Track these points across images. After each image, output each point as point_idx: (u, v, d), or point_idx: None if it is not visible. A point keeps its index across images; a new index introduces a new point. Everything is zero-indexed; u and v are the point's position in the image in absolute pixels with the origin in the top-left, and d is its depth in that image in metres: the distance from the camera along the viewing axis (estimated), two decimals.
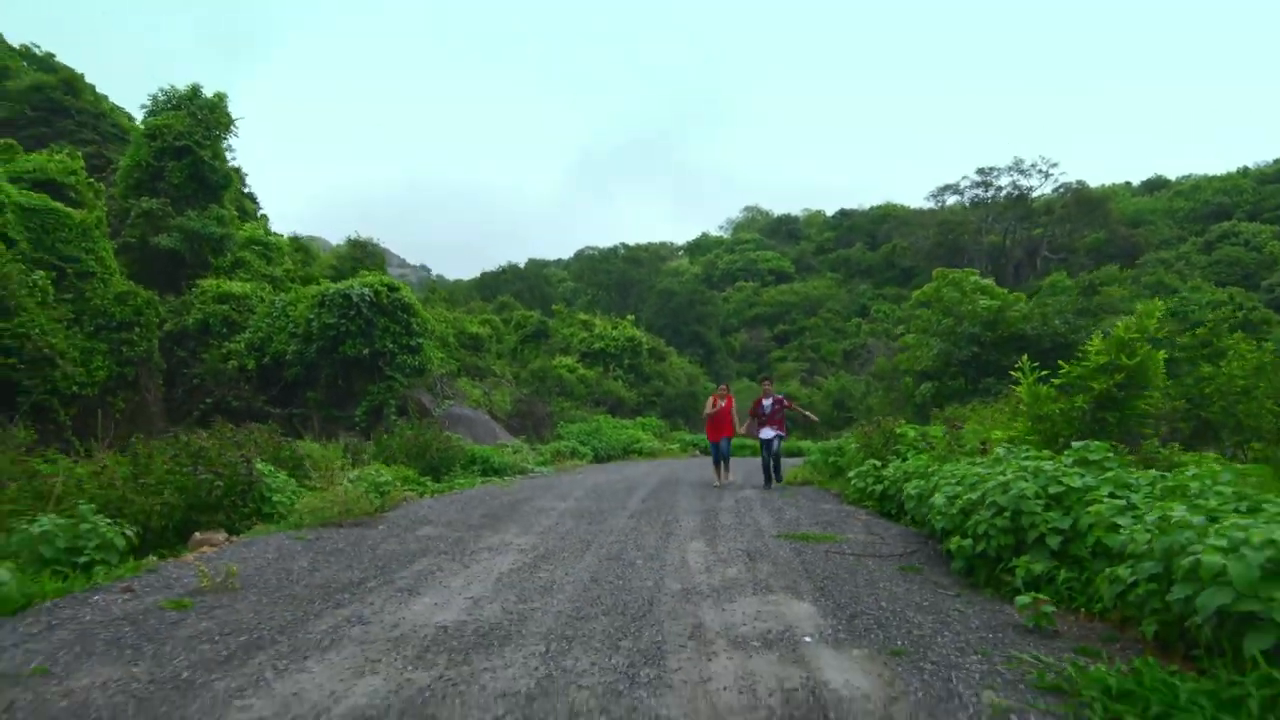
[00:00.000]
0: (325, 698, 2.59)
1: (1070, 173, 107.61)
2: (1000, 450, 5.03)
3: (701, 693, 2.62)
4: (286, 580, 4.41)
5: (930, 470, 5.82)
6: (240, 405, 13.34)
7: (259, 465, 6.98)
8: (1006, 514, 4.01)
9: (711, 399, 10.53)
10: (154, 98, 17.02)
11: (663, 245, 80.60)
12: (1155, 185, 71.24)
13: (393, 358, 13.45)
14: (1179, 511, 3.14)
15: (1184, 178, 70.76)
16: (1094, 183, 68.96)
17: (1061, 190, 61.82)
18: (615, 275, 58.96)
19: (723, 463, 10.23)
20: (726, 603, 3.82)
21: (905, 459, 7.41)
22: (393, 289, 13.71)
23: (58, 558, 4.66)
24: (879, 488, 7.23)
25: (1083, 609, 3.57)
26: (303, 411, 13.52)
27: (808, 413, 11.40)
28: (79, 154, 14.55)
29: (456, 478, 10.68)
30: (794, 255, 67.80)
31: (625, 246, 69.36)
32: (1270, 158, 65.46)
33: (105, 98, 23.16)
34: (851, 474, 8.06)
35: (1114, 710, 2.41)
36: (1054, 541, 3.79)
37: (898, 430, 8.53)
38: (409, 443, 11.03)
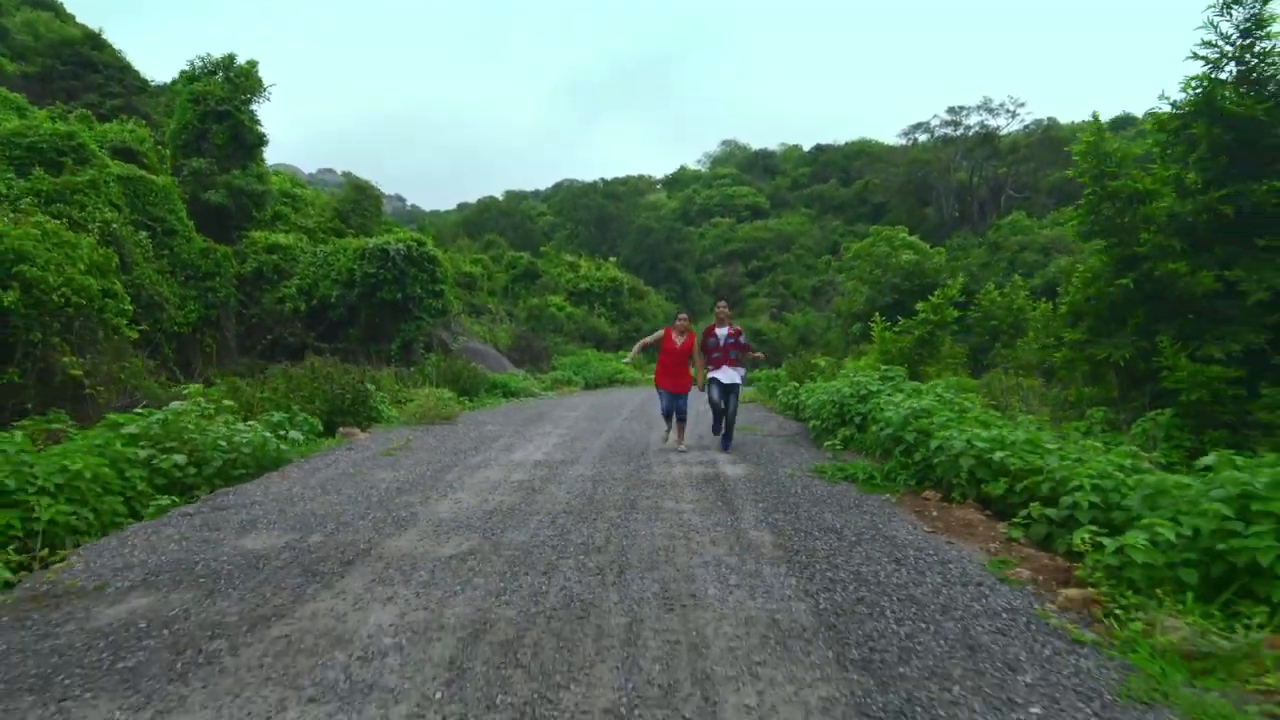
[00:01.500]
0: (502, 479, 6.00)
1: (1039, 110, 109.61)
2: (847, 373, 8.58)
3: (668, 474, 6.11)
4: (432, 447, 7.80)
5: (816, 387, 9.36)
6: (294, 341, 16.47)
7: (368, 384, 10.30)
8: (834, 405, 7.53)
9: (666, 331, 8.12)
10: (192, 63, 19.45)
11: (641, 179, 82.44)
12: (1122, 123, 73.99)
13: (420, 301, 16.61)
14: (904, 398, 6.62)
15: (1150, 113, 73.80)
16: (1065, 119, 72.09)
17: (1031, 128, 65.23)
18: (594, 210, 61.29)
19: (675, 418, 7.96)
20: (684, 455, 7.33)
21: (815, 381, 10.94)
22: (420, 244, 16.77)
23: (287, 434, 7.99)
24: (794, 400, 10.77)
25: (864, 452, 7.11)
26: (345, 346, 16.68)
27: (758, 355, 8.88)
28: (143, 124, 17.07)
29: (484, 399, 14.06)
30: (770, 191, 70.32)
31: (604, 181, 71.44)
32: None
33: (124, 53, 25.17)
34: (779, 392, 11.60)
35: (846, 473, 5.92)
36: (856, 419, 7.31)
37: (813, 361, 12.04)
38: (444, 371, 14.37)
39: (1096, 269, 7.23)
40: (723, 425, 7.79)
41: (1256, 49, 6.68)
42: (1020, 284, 15.25)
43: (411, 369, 14.83)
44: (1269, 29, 6.59)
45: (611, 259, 32.32)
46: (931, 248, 18.75)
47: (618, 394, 17.07)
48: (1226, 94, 6.50)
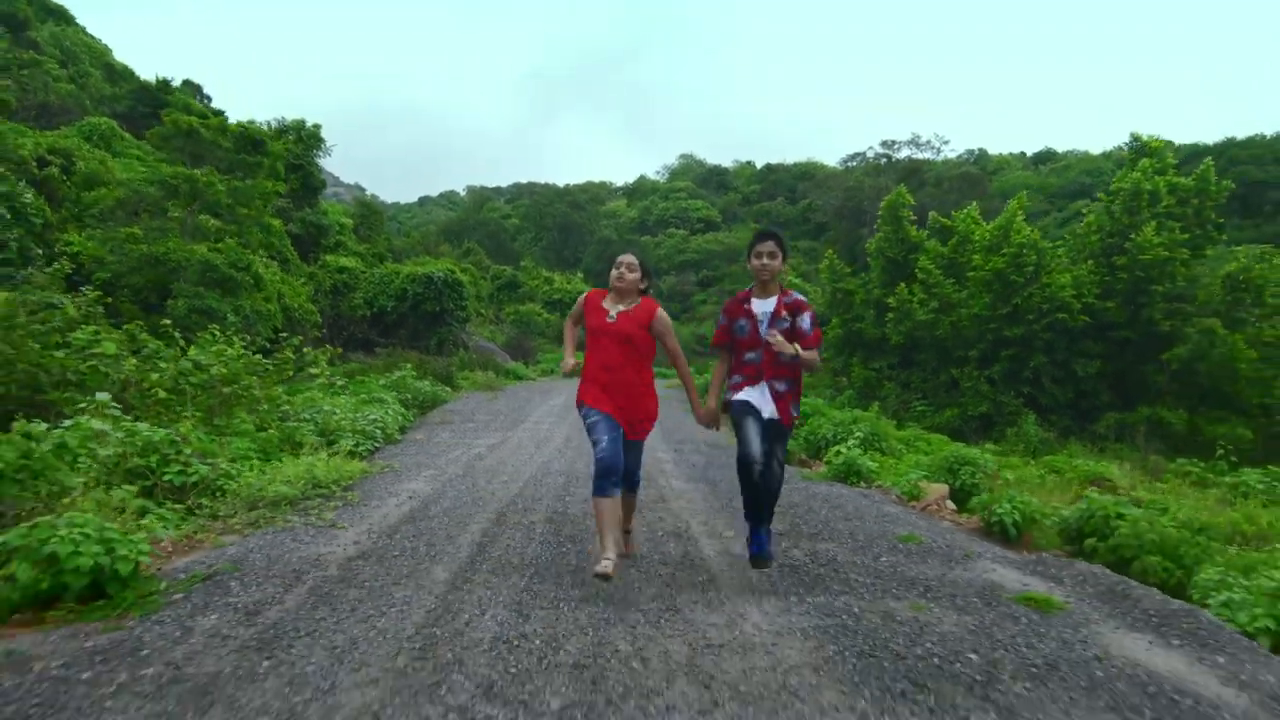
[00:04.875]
0: (556, 404, 14.13)
1: (970, 142, 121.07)
2: None
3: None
4: (508, 397, 15.85)
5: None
6: (361, 338, 24.07)
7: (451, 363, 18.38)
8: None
9: (589, 297, 4.16)
10: (269, 124, 27.09)
11: (602, 185, 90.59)
12: (1043, 159, 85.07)
13: (452, 312, 24.41)
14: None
15: (1069, 152, 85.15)
16: (995, 150, 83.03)
17: (963, 157, 75.73)
18: (559, 218, 69.20)
19: (614, 497, 3.75)
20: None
21: None
22: (453, 272, 24.61)
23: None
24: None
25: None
26: (396, 343, 24.39)
27: (811, 357, 3.97)
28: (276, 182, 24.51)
29: (505, 380, 22.10)
30: (722, 205, 79.08)
31: (568, 187, 79.51)
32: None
33: (207, 102, 32.41)
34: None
35: None
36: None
37: None
38: (473, 361, 22.35)
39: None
40: (763, 504, 3.89)
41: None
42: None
43: (446, 360, 22.72)
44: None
45: (579, 273, 40.37)
46: (857, 271, 27.32)
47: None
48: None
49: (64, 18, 47.78)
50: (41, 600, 3.49)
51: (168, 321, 9.56)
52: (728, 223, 77.13)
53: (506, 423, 11.16)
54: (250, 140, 17.00)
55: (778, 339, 3.82)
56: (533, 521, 5.13)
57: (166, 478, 5.62)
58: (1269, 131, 65.08)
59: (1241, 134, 70.91)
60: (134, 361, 8.04)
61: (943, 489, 7.05)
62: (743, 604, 3.59)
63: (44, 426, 4.92)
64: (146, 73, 40.01)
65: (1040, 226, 62.21)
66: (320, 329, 21.93)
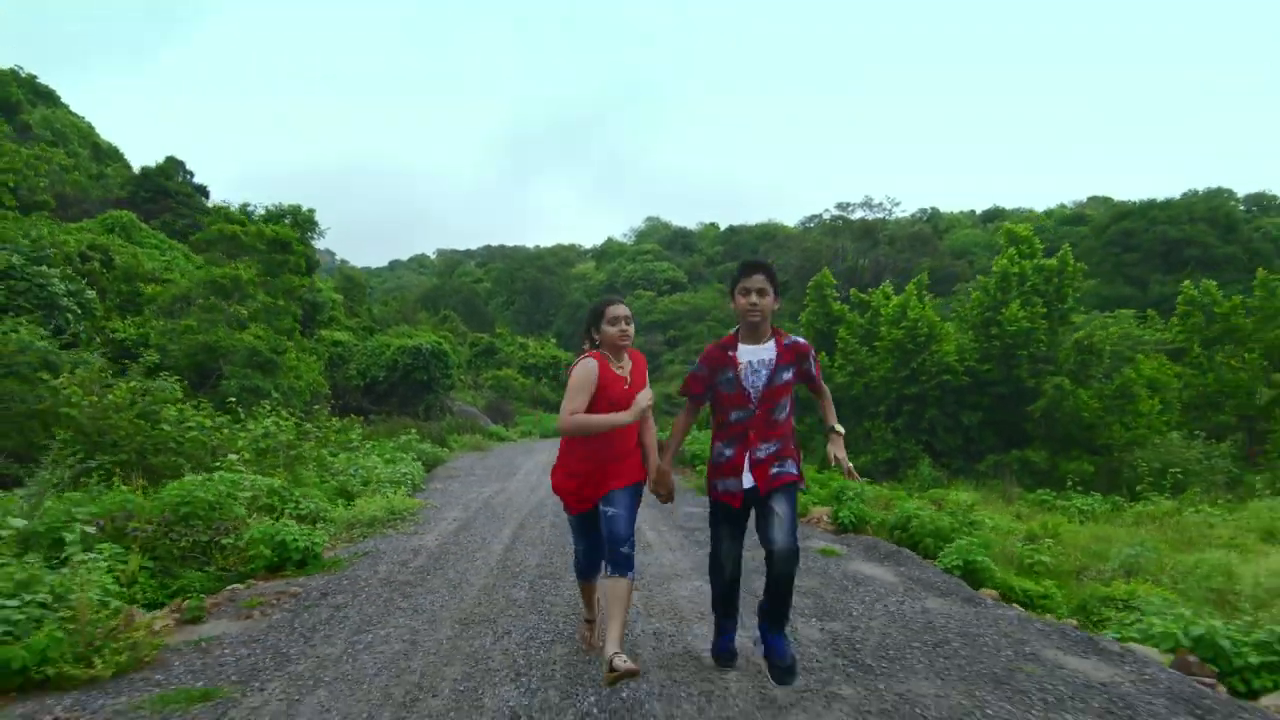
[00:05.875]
0: (539, 462, 17.06)
1: (925, 200, 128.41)
2: None
3: None
4: (497, 455, 18.77)
5: None
6: (355, 405, 26.85)
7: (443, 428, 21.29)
8: None
9: (579, 364, 3.59)
10: (267, 209, 30.26)
11: (571, 248, 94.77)
12: (991, 216, 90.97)
13: (438, 380, 27.31)
14: None
15: (1015, 210, 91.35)
16: (946, 208, 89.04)
17: (917, 215, 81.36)
18: (530, 282, 72.82)
19: (601, 583, 3.67)
20: None
21: None
22: (439, 344, 27.62)
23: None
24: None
25: None
26: (387, 409, 27.16)
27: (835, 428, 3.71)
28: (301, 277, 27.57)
29: (488, 441, 24.95)
30: (687, 266, 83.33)
31: (538, 249, 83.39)
32: (1084, 196, 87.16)
33: (189, 178, 35.57)
34: None
35: None
36: None
37: None
38: (460, 425, 25.21)
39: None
40: (773, 623, 3.37)
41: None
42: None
43: (439, 425, 25.53)
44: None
45: (551, 339, 43.63)
46: None
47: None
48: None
49: (52, 100, 51.28)
50: (272, 567, 6.40)
51: (232, 399, 12.48)
52: (693, 283, 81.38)
53: (502, 475, 14.08)
54: (280, 242, 20.04)
55: (843, 458, 3.52)
56: (542, 526, 8.13)
57: (290, 510, 8.51)
58: (1202, 187, 71.42)
59: (1175, 192, 77.66)
60: (225, 431, 10.94)
61: (826, 510, 10.14)
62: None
63: (201, 478, 7.81)
64: (128, 148, 43.10)
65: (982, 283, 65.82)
66: (329, 400, 24.72)
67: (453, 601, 5.07)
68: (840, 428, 3.67)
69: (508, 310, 70.39)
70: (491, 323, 53.71)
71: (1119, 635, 4.99)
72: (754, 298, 3.41)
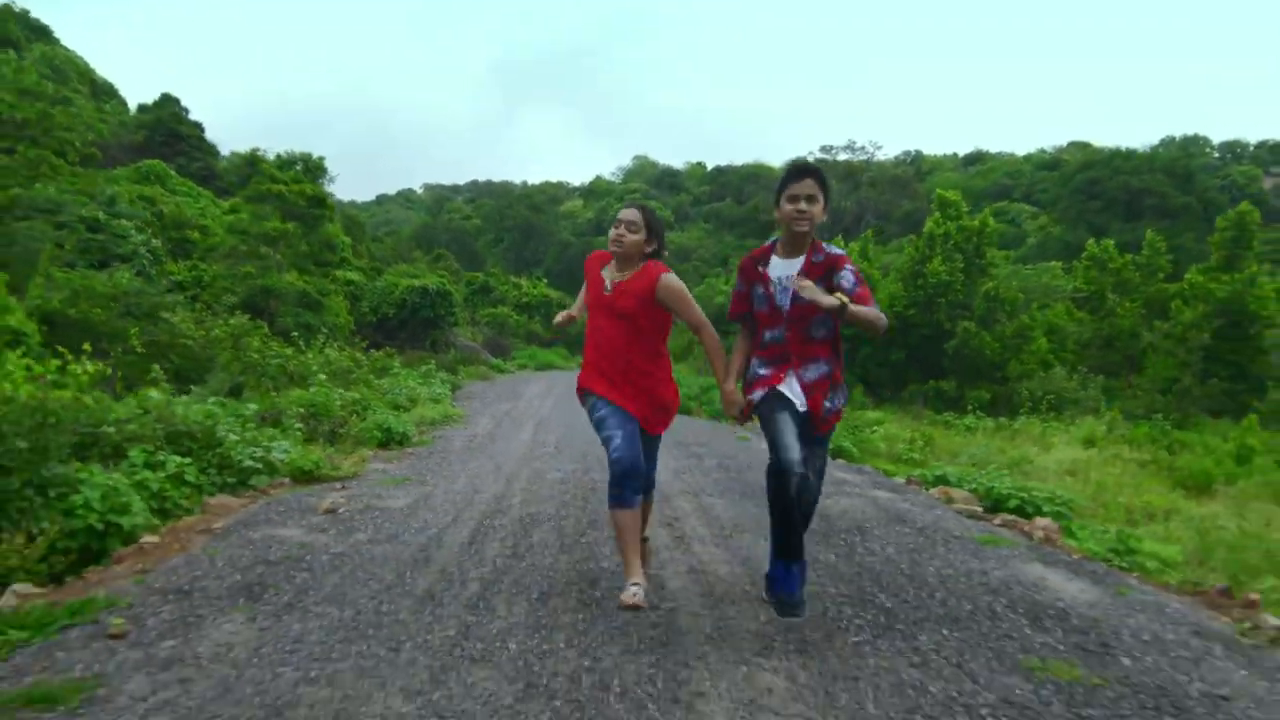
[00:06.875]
0: (539, 389, 20.57)
1: (910, 142, 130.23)
2: None
3: None
4: (503, 383, 22.24)
5: None
6: (369, 338, 30.16)
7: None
8: None
9: (588, 264, 3.68)
10: (279, 156, 32.98)
11: (559, 185, 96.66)
12: (973, 160, 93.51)
13: (443, 317, 30.63)
14: None
15: (998, 154, 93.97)
16: (930, 150, 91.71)
17: (900, 158, 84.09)
18: (520, 220, 75.25)
19: (635, 509, 3.30)
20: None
21: None
22: (444, 283, 30.81)
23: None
24: None
25: None
26: (398, 342, 30.50)
27: (871, 317, 3.09)
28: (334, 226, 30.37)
29: (490, 374, 28.42)
30: (674, 206, 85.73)
31: (527, 186, 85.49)
32: (1065, 141, 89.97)
33: (200, 124, 37.99)
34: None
35: None
36: None
37: None
38: (464, 359, 28.66)
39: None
40: (794, 533, 3.10)
41: None
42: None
43: (449, 357, 28.93)
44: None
45: (542, 278, 46.78)
46: None
47: (557, 374, 31.68)
48: None
49: (47, 36, 52.90)
50: (381, 444, 9.87)
51: (295, 334, 15.81)
52: (680, 223, 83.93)
53: (512, 397, 17.58)
54: (319, 198, 23.05)
55: (808, 285, 2.98)
56: (553, 426, 11.66)
57: (372, 413, 11.97)
58: (1180, 134, 74.50)
59: (1155, 138, 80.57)
60: (300, 357, 14.30)
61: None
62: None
63: (311, 390, 11.20)
64: (125, 85, 44.96)
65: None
66: (355, 334, 28.02)
67: (511, 452, 8.66)
68: (854, 307, 3.01)
69: (497, 247, 73.00)
70: (483, 261, 56.61)
71: (925, 482, 8.56)
72: (803, 204, 3.12)
